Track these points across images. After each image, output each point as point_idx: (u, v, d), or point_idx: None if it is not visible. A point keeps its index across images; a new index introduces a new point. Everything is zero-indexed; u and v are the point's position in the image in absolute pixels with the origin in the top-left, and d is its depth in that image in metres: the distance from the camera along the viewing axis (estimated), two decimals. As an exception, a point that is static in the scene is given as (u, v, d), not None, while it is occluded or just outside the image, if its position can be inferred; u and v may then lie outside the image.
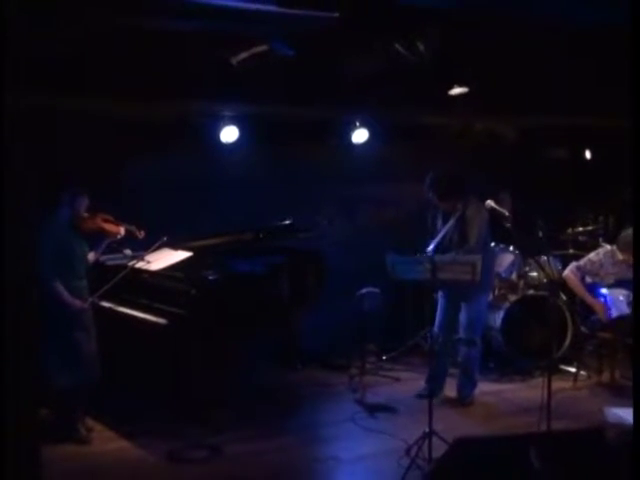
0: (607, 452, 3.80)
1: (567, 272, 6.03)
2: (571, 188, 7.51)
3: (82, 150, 5.58)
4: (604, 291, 5.86)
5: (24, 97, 2.32)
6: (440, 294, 5.59)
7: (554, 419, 4.38)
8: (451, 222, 5.38)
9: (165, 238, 5.09)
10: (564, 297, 6.49)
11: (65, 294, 4.65)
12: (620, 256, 5.86)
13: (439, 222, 5.50)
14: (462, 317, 5.54)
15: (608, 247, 6.02)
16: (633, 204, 2.84)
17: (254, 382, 5.81)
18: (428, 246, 5.27)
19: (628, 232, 5.80)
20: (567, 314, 6.39)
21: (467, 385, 5.67)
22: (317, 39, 4.36)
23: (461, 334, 5.58)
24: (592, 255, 6.03)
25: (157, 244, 5.08)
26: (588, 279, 5.96)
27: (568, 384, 6.06)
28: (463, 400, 5.63)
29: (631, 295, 5.82)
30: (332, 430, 5.11)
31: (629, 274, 5.88)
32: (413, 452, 4.35)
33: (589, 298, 5.89)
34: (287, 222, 5.97)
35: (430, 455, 4.30)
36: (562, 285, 6.39)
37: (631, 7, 2.82)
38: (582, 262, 6.01)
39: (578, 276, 5.95)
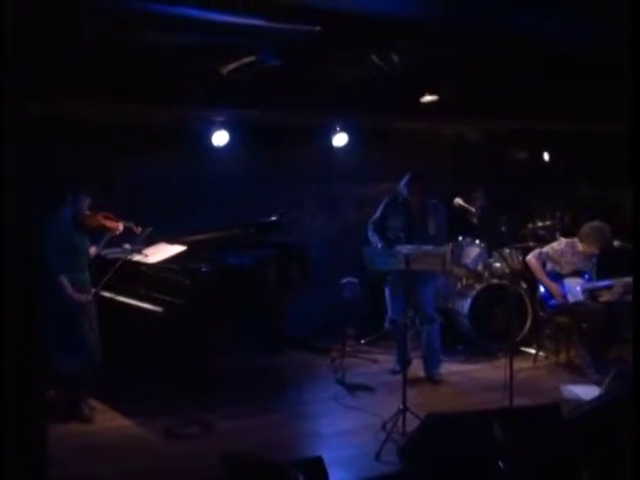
0: (563, 425, 3.84)
1: (530, 256, 6.07)
2: (531, 187, 7.56)
3: (84, 153, 5.55)
4: (563, 280, 5.91)
5: (30, 103, 2.30)
6: (391, 283, 5.57)
7: (516, 396, 4.42)
8: (431, 216, 5.46)
9: (151, 228, 5.03)
10: (525, 286, 6.55)
11: (69, 288, 4.62)
12: (580, 247, 5.91)
13: (399, 217, 5.50)
14: (420, 299, 5.57)
15: (569, 239, 6.06)
16: (633, 204, 2.79)
17: (244, 364, 5.80)
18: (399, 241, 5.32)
19: (589, 225, 5.87)
20: (527, 301, 6.45)
21: (434, 362, 5.70)
22: (301, 51, 4.35)
23: (421, 314, 5.64)
24: (555, 244, 6.09)
25: (145, 233, 5.01)
26: (548, 266, 6.00)
27: (528, 364, 6.10)
28: (433, 377, 5.65)
29: (585, 284, 5.88)
30: (315, 408, 5.13)
31: (585, 265, 5.94)
32: (389, 427, 4.38)
33: (547, 280, 5.94)
34: (273, 218, 5.97)
35: (404, 429, 4.33)
36: (523, 275, 6.45)
37: (632, 8, 2.80)
38: (545, 249, 6.07)
39: (540, 261, 6.00)
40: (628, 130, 2.78)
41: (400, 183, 5.54)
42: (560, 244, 6.04)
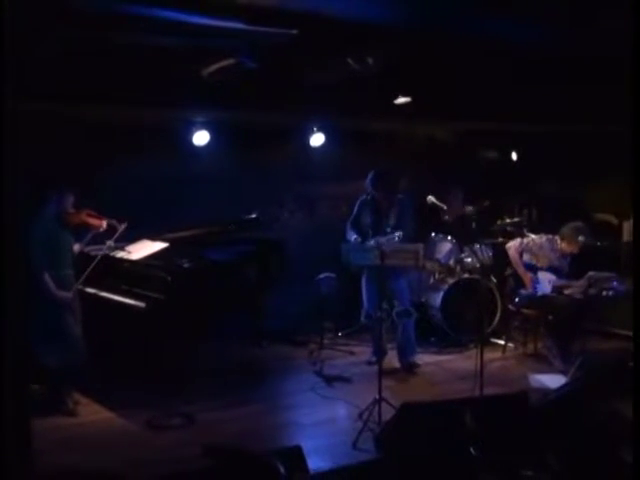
0: (531, 412, 3.88)
1: (510, 244, 6.11)
2: (500, 185, 7.62)
3: (68, 151, 5.47)
4: (537, 273, 5.96)
5: (20, 102, 2.26)
6: (366, 278, 5.60)
7: (486, 385, 4.46)
8: (394, 209, 5.49)
9: (125, 224, 4.93)
10: (494, 280, 6.60)
11: (52, 285, 4.56)
12: (560, 245, 5.97)
13: (368, 214, 5.58)
14: (395, 293, 5.58)
15: (550, 235, 6.11)
16: (632, 202, 2.78)
17: (224, 357, 5.78)
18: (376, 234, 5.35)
19: (571, 225, 5.92)
20: (497, 294, 6.50)
21: (410, 351, 5.71)
22: (279, 53, 4.34)
23: (398, 308, 5.61)
24: (536, 237, 6.15)
25: (119, 230, 4.87)
26: (525, 257, 6.04)
27: (498, 354, 6.17)
28: (411, 367, 5.65)
29: (556, 281, 5.93)
30: (294, 398, 5.12)
31: (560, 263, 5.99)
32: (365, 416, 4.39)
33: (522, 270, 5.98)
34: (253, 216, 5.95)
35: (380, 418, 4.34)
36: (492, 269, 6.50)
37: (634, 9, 2.80)
38: (526, 240, 6.12)
39: (519, 250, 6.05)
40: (630, 130, 2.76)
41: (365, 181, 5.61)
42: (541, 238, 6.09)
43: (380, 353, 5.08)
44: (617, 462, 3.36)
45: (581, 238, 5.85)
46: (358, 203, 5.74)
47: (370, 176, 5.57)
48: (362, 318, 5.81)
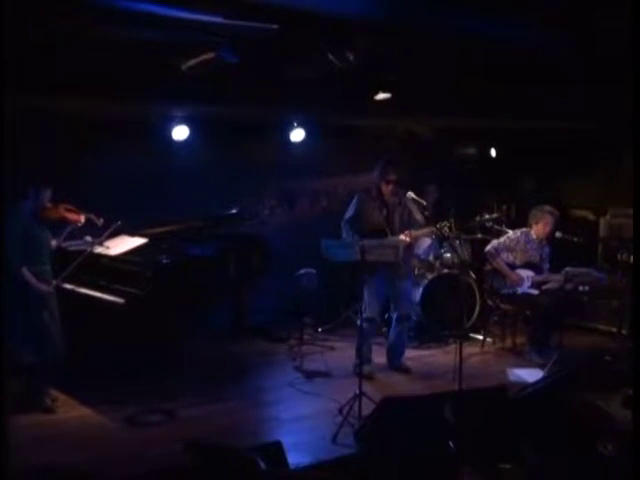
0: (509, 406, 3.93)
1: (489, 248, 6.12)
2: (479, 181, 7.68)
3: (46, 145, 5.41)
4: (516, 271, 6.00)
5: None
6: (376, 280, 5.20)
7: (465, 379, 4.49)
8: (411, 205, 5.32)
9: (119, 222, 4.93)
10: (473, 275, 6.65)
11: (32, 278, 4.50)
12: (533, 234, 6.02)
13: (375, 209, 5.25)
14: (400, 296, 5.41)
15: (525, 229, 6.16)
16: (633, 202, 2.78)
17: (205, 353, 5.75)
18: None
19: (535, 208, 6.07)
20: (476, 289, 6.55)
21: (402, 354, 5.63)
22: (259, 48, 4.32)
23: (401, 310, 5.45)
24: (510, 233, 6.21)
25: (112, 228, 4.89)
26: (503, 256, 6.05)
27: (476, 349, 6.22)
28: (401, 366, 5.58)
29: (536, 276, 5.99)
30: (274, 394, 5.12)
31: (538, 255, 6.05)
32: (345, 411, 4.40)
33: (507, 271, 5.98)
34: (233, 211, 5.92)
35: (360, 413, 4.35)
36: (471, 265, 6.55)
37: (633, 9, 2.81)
38: (502, 239, 6.15)
39: (496, 253, 6.06)
40: (630, 129, 2.78)
41: (373, 174, 5.27)
42: (515, 233, 6.15)
43: (368, 359, 5.08)
44: (593, 455, 3.41)
45: (558, 234, 5.92)
46: (357, 200, 5.28)
47: (381, 166, 5.17)
48: (363, 323, 5.10)
